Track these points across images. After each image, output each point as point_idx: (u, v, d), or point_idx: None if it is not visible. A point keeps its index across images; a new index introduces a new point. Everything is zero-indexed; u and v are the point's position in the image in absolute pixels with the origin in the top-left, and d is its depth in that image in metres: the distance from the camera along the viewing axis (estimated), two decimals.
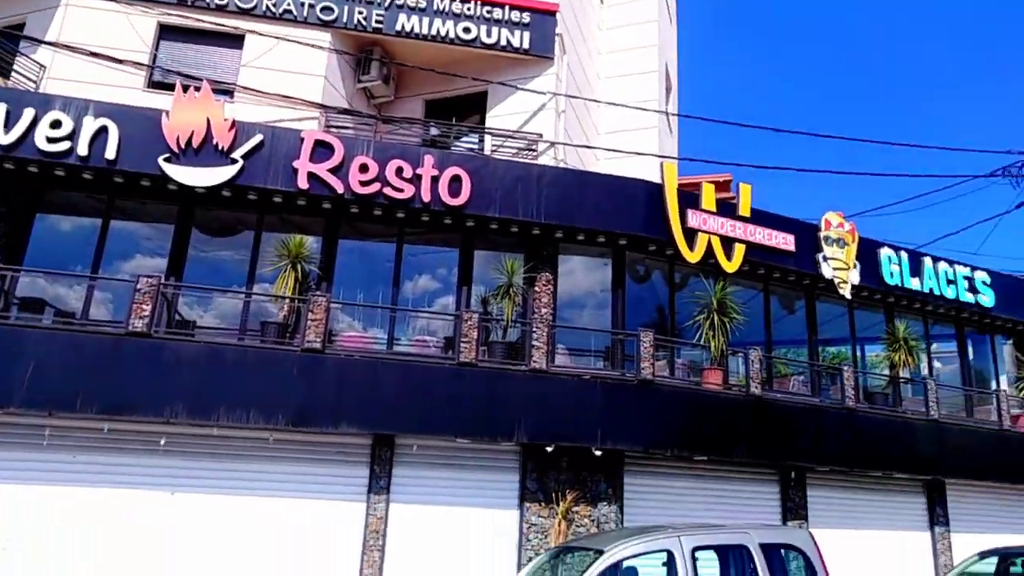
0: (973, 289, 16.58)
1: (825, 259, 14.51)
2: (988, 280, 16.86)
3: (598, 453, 11.78)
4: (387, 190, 11.71)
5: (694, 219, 13.21)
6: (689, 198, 13.40)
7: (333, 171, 11.55)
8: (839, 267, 14.61)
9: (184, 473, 10.60)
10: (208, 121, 11.37)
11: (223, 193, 11.59)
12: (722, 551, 7.77)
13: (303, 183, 11.44)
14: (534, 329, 12.10)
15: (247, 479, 10.77)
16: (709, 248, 13.26)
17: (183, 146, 11.23)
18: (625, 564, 7.39)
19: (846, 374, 14.25)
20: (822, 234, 14.65)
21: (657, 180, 13.34)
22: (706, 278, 13.56)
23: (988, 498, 15.72)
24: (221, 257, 12.44)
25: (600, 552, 7.08)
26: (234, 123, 11.50)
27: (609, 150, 14.92)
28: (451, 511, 11.40)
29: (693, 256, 13.14)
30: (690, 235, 13.17)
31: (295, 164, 11.47)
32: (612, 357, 12.91)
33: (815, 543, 8.12)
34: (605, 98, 16.26)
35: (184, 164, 11.22)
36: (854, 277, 14.78)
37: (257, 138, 11.49)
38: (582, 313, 13.43)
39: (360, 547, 10.86)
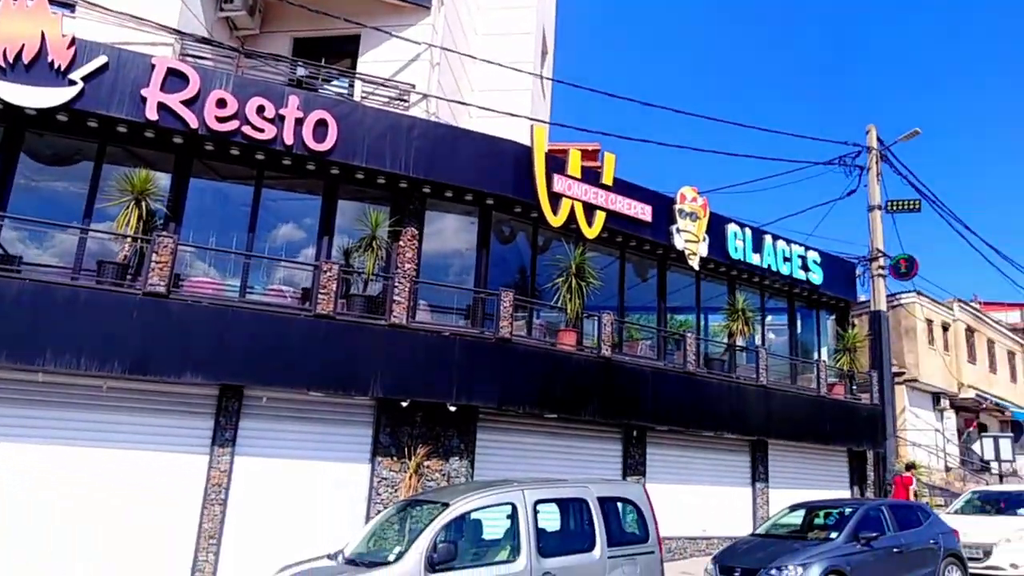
0: (805, 267, 18.05)
1: (678, 231, 15.28)
2: (819, 260, 18.41)
3: (453, 409, 11.95)
4: (246, 129, 11.07)
5: (559, 184, 13.47)
6: (556, 163, 13.63)
7: (187, 103, 10.76)
8: (690, 239, 15.44)
9: (2, 421, 9.76)
10: (43, 35, 10.22)
11: (58, 117, 10.50)
12: (563, 504, 8.14)
13: (152, 114, 10.58)
14: (396, 284, 12.00)
15: (77, 429, 10.09)
16: (572, 213, 13.59)
17: (11, 60, 10.05)
18: (471, 517, 7.60)
19: (689, 340, 15.19)
20: (677, 207, 15.39)
21: (527, 143, 13.45)
22: (567, 242, 13.93)
23: (802, 457, 17.41)
24: (55, 188, 11.36)
25: (446, 505, 7.22)
26: (74, 40, 10.40)
27: (482, 108, 14.83)
28: (300, 465, 11.22)
29: (556, 220, 13.42)
30: (555, 199, 13.43)
31: (144, 92, 10.57)
32: (473, 315, 13.03)
33: (647, 496, 8.67)
34: (480, 54, 16.08)
35: (11, 80, 10.05)
36: (703, 250, 15.68)
37: (101, 59, 10.47)
38: (447, 270, 13.43)
39: (201, 501, 10.49)
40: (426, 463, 11.83)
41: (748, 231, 16.87)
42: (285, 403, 11.27)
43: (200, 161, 11.58)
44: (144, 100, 10.56)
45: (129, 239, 10.65)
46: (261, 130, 11.16)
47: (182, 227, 11.38)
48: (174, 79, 10.76)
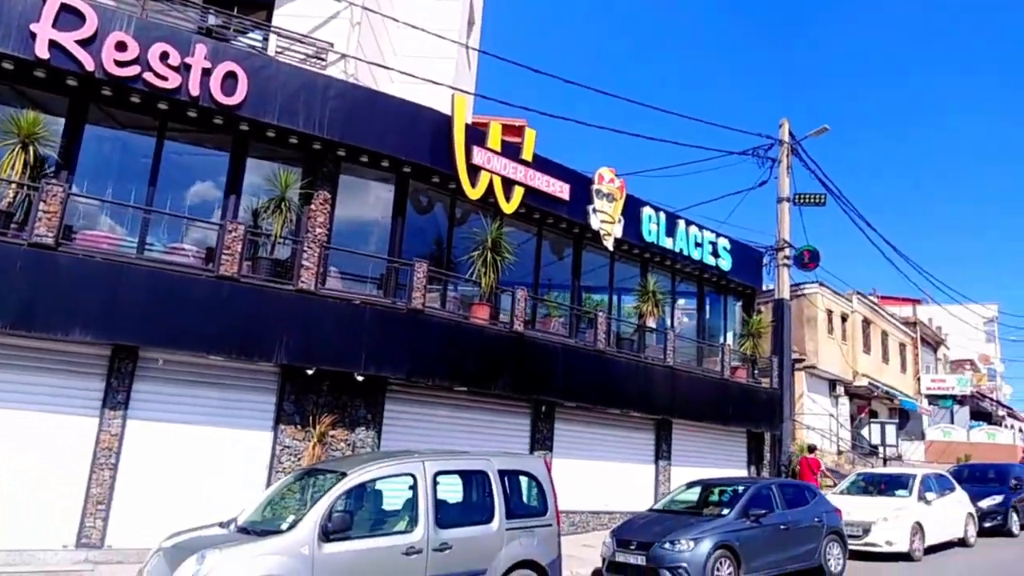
0: (716, 253, 18.54)
1: (595, 211, 15.39)
2: (728, 247, 18.94)
3: (360, 378, 11.75)
4: (148, 75, 10.42)
5: (479, 156, 13.33)
6: (476, 135, 13.47)
7: (83, 44, 10.02)
8: (606, 220, 15.58)
9: None
10: None
11: None
12: (464, 476, 8.12)
13: (42, 52, 9.81)
14: (305, 248, 11.64)
15: None
16: (490, 187, 13.49)
17: None
18: (370, 487, 7.50)
19: (600, 319, 15.40)
20: (594, 187, 15.49)
21: (449, 112, 13.21)
22: (485, 216, 13.83)
23: (704, 437, 17.99)
24: None
25: (344, 475, 7.09)
26: None
27: (404, 73, 14.45)
28: (199, 431, 10.82)
29: (474, 193, 13.29)
30: (473, 171, 13.28)
31: (33, 27, 9.76)
32: (386, 285, 12.80)
33: (547, 470, 8.77)
34: (404, 18, 15.64)
35: None
36: (618, 231, 15.87)
37: None
38: (361, 238, 13.12)
39: (89, 465, 9.98)
40: (331, 432, 11.60)
41: (662, 215, 17.17)
42: (184, 366, 10.81)
43: (97, 107, 10.86)
44: (34, 36, 9.78)
45: (14, 185, 9.90)
46: (165, 78, 10.53)
47: (75, 176, 10.69)
48: (68, 16, 9.99)
